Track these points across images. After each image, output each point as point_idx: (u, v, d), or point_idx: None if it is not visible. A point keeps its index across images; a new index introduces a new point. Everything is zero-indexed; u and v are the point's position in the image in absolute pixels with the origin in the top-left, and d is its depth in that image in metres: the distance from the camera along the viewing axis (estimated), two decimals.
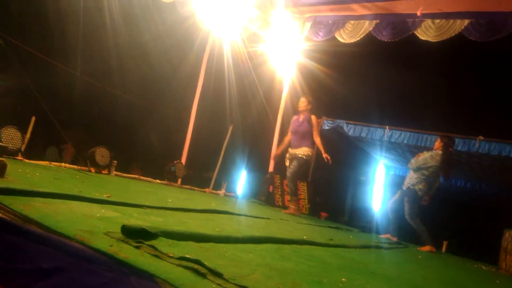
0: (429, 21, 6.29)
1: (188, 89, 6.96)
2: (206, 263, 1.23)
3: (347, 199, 11.38)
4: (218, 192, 6.86)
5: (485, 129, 7.06)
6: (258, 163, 8.41)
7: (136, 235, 1.38)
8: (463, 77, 9.25)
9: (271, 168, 7.87)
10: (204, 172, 7.75)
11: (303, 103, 5.84)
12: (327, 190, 9.52)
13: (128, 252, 1.22)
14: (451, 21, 6.15)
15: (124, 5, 5.43)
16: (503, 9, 5.80)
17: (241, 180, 7.69)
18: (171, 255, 1.25)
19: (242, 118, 8.08)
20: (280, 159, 6.15)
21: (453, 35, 6.13)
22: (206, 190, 6.63)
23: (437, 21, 6.24)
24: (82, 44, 5.09)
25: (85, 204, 1.89)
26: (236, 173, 7.91)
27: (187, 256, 1.25)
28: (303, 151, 5.59)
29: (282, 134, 8.03)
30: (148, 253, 1.26)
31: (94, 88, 5.17)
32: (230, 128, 7.38)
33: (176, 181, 6.01)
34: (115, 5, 5.31)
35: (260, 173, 8.08)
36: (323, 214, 8.73)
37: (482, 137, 6.75)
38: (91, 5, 5.11)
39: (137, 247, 1.29)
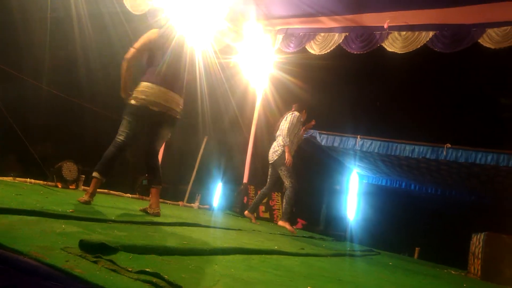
0: (396, 33, 6.50)
1: None
2: (166, 276, 1.21)
3: (322, 208, 11.46)
4: (192, 204, 6.79)
5: (452, 137, 7.30)
6: (233, 175, 8.37)
7: (94, 250, 1.35)
8: (430, 87, 9.57)
9: (245, 179, 7.86)
10: (178, 184, 7.64)
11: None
12: (302, 199, 9.57)
13: (84, 267, 1.18)
14: (417, 33, 6.38)
15: (93, 15, 5.35)
16: (465, 21, 6.06)
17: (217, 192, 7.64)
18: (130, 269, 1.23)
19: (216, 130, 8.06)
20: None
21: (419, 46, 6.36)
22: (180, 203, 6.55)
23: (404, 33, 6.46)
24: (50, 55, 4.98)
25: (45, 220, 1.83)
26: (211, 185, 7.85)
27: (146, 269, 1.23)
28: (180, 105, 3.36)
29: (256, 145, 8.07)
30: (106, 267, 1.23)
31: (62, 100, 5.04)
32: (205, 140, 7.34)
33: (148, 195, 5.89)
34: (84, 15, 5.23)
35: (235, 184, 8.05)
36: (300, 221, 8.79)
37: (449, 145, 6.96)
38: (59, 15, 5.01)
39: (94, 262, 1.26)
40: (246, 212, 5.60)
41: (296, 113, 5.36)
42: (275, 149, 5.24)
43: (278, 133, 5.35)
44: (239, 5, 6.66)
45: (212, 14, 5.99)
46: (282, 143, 5.18)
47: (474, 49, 6.12)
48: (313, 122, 5.71)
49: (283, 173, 5.14)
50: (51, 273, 1.15)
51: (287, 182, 5.14)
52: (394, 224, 10.09)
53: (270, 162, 5.34)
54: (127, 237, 1.84)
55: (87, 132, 5.24)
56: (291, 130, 5.24)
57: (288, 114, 5.39)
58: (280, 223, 5.08)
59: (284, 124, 5.27)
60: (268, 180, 5.48)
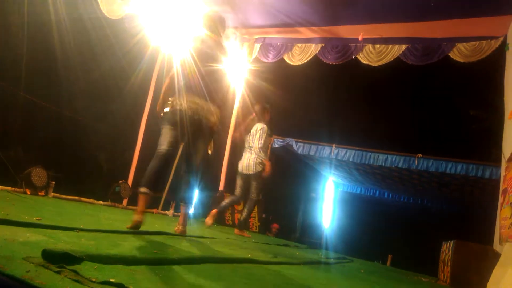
0: (370, 46, 6.64)
1: (137, 107, 6.79)
2: (130, 287, 1.19)
3: (298, 216, 11.53)
4: (167, 212, 6.70)
5: (423, 147, 7.50)
6: (209, 182, 8.32)
7: (58, 259, 1.31)
8: (403, 98, 9.82)
9: (221, 186, 7.83)
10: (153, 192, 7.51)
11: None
12: (278, 207, 9.60)
13: (46, 278, 1.15)
14: (390, 46, 6.54)
15: (72, 19, 5.22)
16: (436, 35, 6.27)
17: (193, 200, 7.57)
18: (94, 279, 1.20)
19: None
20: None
21: (392, 59, 6.52)
22: (154, 210, 6.45)
23: (377, 46, 6.61)
24: (24, 57, 4.82)
25: (8, 228, 1.77)
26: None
27: (110, 280, 1.21)
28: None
29: (234, 152, 8.05)
30: (69, 278, 1.19)
31: (33, 105, 4.90)
32: (181, 147, 7.27)
33: (121, 202, 5.80)
34: (62, 17, 5.09)
35: (211, 192, 8.00)
36: (275, 225, 8.83)
37: (420, 155, 7.14)
38: (37, 19, 4.87)
39: (57, 272, 1.22)
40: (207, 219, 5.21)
41: (264, 127, 5.30)
42: (259, 161, 5.15)
43: (255, 145, 5.24)
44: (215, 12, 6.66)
45: (190, 20, 5.98)
46: (263, 158, 5.19)
47: (445, 62, 6.33)
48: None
49: (258, 186, 5.20)
50: (9, 285, 1.11)
51: (255, 194, 5.22)
52: (367, 232, 10.25)
53: (250, 173, 5.16)
54: (94, 246, 1.80)
55: (59, 138, 5.11)
56: (266, 145, 5.42)
57: (258, 129, 5.30)
58: (238, 231, 5.33)
59: (257, 142, 5.20)
60: (239, 190, 5.34)
